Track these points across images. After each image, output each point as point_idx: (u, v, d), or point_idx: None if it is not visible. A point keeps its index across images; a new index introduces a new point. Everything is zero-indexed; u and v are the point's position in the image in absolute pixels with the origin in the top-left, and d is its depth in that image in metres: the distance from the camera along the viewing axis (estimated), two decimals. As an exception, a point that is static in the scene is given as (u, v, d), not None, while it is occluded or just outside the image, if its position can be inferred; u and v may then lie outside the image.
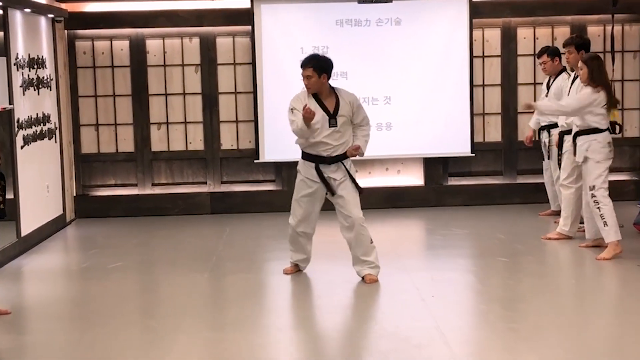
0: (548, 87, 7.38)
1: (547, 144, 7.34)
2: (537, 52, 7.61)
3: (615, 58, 7.95)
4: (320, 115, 5.52)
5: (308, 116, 5.35)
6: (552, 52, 7.35)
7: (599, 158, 6.10)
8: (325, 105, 5.56)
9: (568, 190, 6.63)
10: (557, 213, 7.43)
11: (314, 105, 5.53)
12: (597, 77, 6.05)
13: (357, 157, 5.71)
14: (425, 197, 8.45)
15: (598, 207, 6.08)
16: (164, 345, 4.52)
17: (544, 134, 7.40)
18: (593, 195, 6.10)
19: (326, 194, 5.65)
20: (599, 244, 6.29)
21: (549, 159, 7.36)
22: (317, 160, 5.59)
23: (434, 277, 5.81)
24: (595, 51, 8.00)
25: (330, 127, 5.53)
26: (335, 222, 5.78)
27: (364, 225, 5.61)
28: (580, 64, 6.16)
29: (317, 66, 5.50)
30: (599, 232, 6.20)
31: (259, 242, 7.14)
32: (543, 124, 7.40)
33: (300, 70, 7.60)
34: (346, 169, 5.62)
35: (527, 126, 7.93)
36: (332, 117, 5.53)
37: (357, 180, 5.69)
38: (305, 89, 5.63)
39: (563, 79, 7.19)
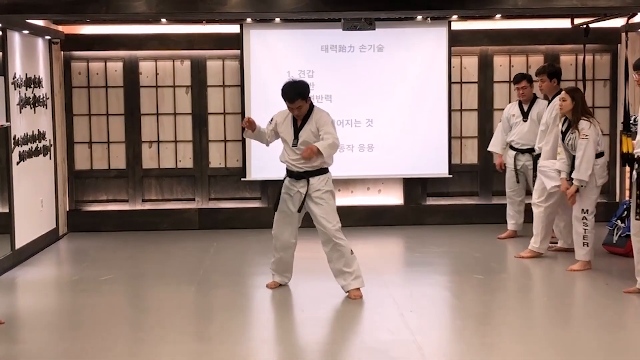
0: (523, 112, 7.54)
1: (528, 167, 7.41)
2: (513, 78, 7.70)
3: (587, 86, 8.09)
4: (288, 134, 5.69)
5: (245, 125, 5.73)
6: (530, 78, 7.55)
7: (600, 182, 6.29)
8: (298, 126, 5.69)
9: (538, 209, 6.80)
10: (516, 234, 7.66)
11: (290, 124, 5.70)
12: (584, 108, 6.29)
13: (323, 169, 5.67)
14: (405, 216, 8.55)
15: (585, 229, 6.27)
16: (151, 356, 4.60)
17: (524, 157, 7.49)
18: (584, 218, 6.25)
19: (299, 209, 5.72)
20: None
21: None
22: (288, 174, 5.75)
23: (413, 292, 5.89)
24: (567, 79, 8.32)
25: (292, 146, 5.66)
26: (317, 238, 5.87)
27: (339, 236, 5.62)
28: (563, 94, 6.34)
29: (303, 95, 5.60)
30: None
31: (245, 257, 7.20)
32: (523, 147, 7.48)
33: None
34: (309, 186, 5.62)
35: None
36: (295, 137, 5.65)
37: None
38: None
39: (544, 105, 7.36)
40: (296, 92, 5.59)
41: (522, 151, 7.55)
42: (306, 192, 5.65)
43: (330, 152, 5.58)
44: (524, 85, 7.50)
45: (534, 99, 7.57)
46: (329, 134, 5.55)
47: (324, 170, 5.72)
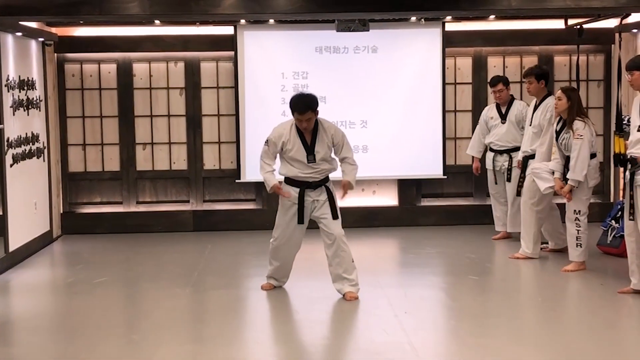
0: (501, 114, 7.55)
1: (507, 167, 7.49)
2: (489, 81, 7.72)
3: (580, 86, 8.10)
4: (300, 150, 5.63)
5: (281, 193, 5.64)
6: (506, 80, 7.60)
7: (592, 183, 6.36)
8: (306, 140, 5.65)
9: (530, 211, 6.81)
10: (510, 235, 7.67)
11: (297, 141, 5.62)
12: (579, 109, 6.33)
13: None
14: (399, 217, 8.57)
15: (577, 230, 6.31)
16: (145, 358, 4.60)
17: (502, 158, 7.54)
18: (577, 219, 6.31)
19: (311, 212, 5.73)
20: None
21: (508, 181, 7.52)
22: (302, 185, 5.68)
23: (407, 293, 5.92)
24: (561, 80, 8.37)
25: (309, 163, 5.63)
26: (315, 239, 5.89)
27: (345, 242, 5.69)
28: (559, 93, 6.38)
29: (313, 107, 5.58)
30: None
31: (239, 259, 7.21)
32: (501, 148, 7.53)
33: (280, 93, 7.70)
34: (329, 192, 5.72)
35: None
36: (310, 153, 5.63)
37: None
38: (291, 121, 5.68)
39: (521, 107, 7.47)
40: (306, 105, 5.59)
41: (501, 152, 7.58)
42: (327, 198, 5.69)
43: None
44: (500, 88, 7.54)
45: (511, 100, 7.61)
46: (352, 159, 5.73)
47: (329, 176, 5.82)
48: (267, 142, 5.72)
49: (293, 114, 5.63)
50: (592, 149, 6.33)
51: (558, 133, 6.45)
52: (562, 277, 6.32)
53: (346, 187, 5.69)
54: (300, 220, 5.71)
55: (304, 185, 5.70)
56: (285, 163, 5.74)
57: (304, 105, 5.58)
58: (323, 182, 5.73)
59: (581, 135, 6.22)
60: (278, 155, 5.77)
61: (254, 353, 4.77)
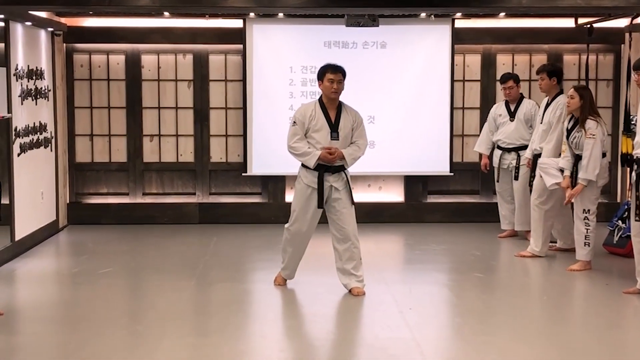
0: (510, 112, 7.55)
1: (515, 165, 7.48)
2: (500, 78, 7.71)
3: (589, 86, 7.96)
4: (324, 127, 5.61)
5: (330, 158, 5.52)
6: (517, 78, 7.58)
7: (601, 183, 6.36)
8: (330, 117, 5.65)
9: (538, 211, 6.80)
10: (516, 233, 7.67)
11: (322, 117, 5.61)
12: (592, 107, 6.33)
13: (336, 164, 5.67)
14: (405, 214, 8.57)
15: (587, 229, 6.32)
16: (149, 349, 4.60)
17: (510, 156, 7.53)
18: (586, 218, 6.32)
19: (325, 202, 5.66)
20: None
21: (515, 179, 7.50)
22: (321, 168, 5.62)
23: (412, 290, 5.92)
24: (570, 79, 8.34)
25: (332, 139, 5.60)
26: (320, 234, 5.87)
27: (358, 239, 5.67)
28: (572, 91, 6.36)
29: (344, 72, 5.65)
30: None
31: (244, 252, 7.22)
32: (509, 146, 7.52)
33: (288, 87, 7.52)
34: (347, 180, 5.68)
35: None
36: (334, 130, 5.63)
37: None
38: (314, 102, 5.70)
39: (530, 106, 7.47)
40: (339, 67, 5.66)
41: (509, 150, 7.57)
42: (345, 186, 5.66)
43: (352, 163, 5.73)
44: (510, 85, 7.52)
45: (520, 98, 7.59)
46: (363, 145, 5.71)
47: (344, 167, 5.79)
48: (294, 122, 5.67)
49: (324, 76, 5.61)
50: (602, 149, 6.33)
51: (569, 131, 6.44)
52: (567, 276, 6.32)
53: (338, 155, 5.58)
54: (320, 205, 5.64)
55: (322, 169, 5.63)
56: (306, 146, 5.67)
57: (337, 66, 5.64)
58: (340, 168, 5.68)
59: (594, 135, 6.22)
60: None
61: (258, 346, 4.78)
